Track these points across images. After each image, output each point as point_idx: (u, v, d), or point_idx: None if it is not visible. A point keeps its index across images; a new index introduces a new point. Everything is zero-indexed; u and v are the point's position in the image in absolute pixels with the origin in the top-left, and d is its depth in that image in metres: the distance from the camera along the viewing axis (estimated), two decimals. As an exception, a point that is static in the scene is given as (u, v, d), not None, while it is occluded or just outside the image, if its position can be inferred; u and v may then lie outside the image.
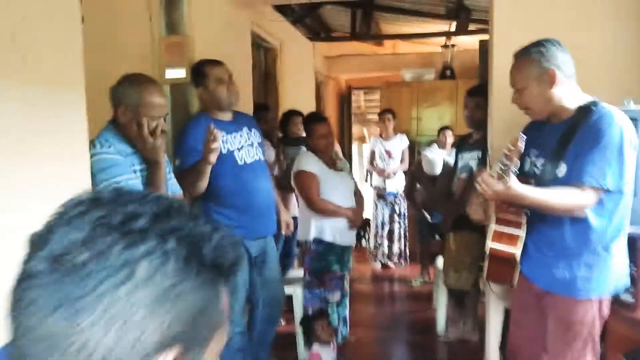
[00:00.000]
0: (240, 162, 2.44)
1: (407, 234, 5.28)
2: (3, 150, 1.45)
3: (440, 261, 3.58)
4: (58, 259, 0.39)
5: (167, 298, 0.40)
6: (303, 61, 5.39)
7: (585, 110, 1.68)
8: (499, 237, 1.85)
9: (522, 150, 1.53)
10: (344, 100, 8.09)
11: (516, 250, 1.80)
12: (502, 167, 1.54)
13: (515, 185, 1.56)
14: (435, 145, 4.63)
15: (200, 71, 2.41)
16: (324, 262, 3.02)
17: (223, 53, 2.64)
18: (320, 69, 6.28)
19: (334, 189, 3.01)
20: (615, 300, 2.13)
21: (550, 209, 1.68)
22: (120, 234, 0.40)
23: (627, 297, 2.11)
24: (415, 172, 4.57)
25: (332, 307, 3.04)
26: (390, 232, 5.24)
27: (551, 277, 1.77)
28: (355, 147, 8.26)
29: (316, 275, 3.06)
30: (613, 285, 1.75)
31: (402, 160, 5.16)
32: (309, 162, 3.02)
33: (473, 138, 3.05)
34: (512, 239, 1.82)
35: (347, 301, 3.22)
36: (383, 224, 5.24)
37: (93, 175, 1.78)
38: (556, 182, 1.69)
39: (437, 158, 4.29)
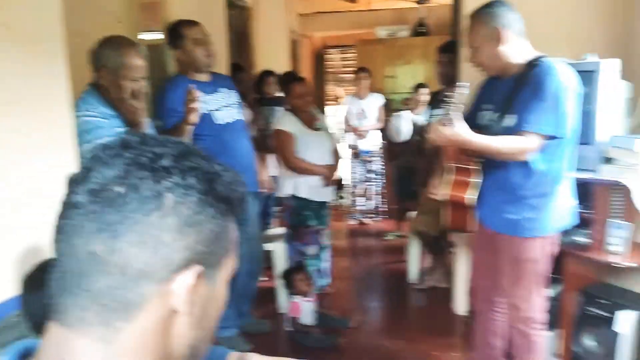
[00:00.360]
0: (219, 122, 2.49)
1: (383, 191, 5.44)
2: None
3: (414, 215, 3.75)
4: (97, 192, 0.47)
5: (189, 224, 0.49)
6: (277, 20, 5.35)
7: (531, 65, 1.82)
8: (456, 184, 2.03)
9: (465, 97, 1.73)
10: (319, 60, 8.06)
11: (470, 195, 1.98)
12: (447, 113, 1.75)
13: (461, 130, 1.73)
14: (402, 113, 4.70)
15: (176, 32, 2.41)
16: (300, 217, 3.16)
17: (197, 13, 2.64)
18: (295, 28, 6.23)
19: (311, 148, 3.11)
20: (571, 242, 2.33)
21: (497, 154, 1.84)
22: (148, 170, 0.48)
23: (582, 238, 2.30)
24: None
25: (309, 260, 3.20)
26: (366, 190, 5.40)
27: (501, 219, 1.95)
28: (330, 106, 8.29)
29: (294, 230, 3.21)
30: (558, 224, 1.92)
31: (378, 119, 5.25)
32: (286, 121, 3.11)
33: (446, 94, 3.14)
34: (467, 185, 2.00)
35: (325, 254, 3.37)
36: (358, 182, 5.39)
37: (77, 135, 1.83)
38: (506, 131, 1.84)
39: (403, 125, 4.37)
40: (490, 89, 1.99)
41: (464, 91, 1.74)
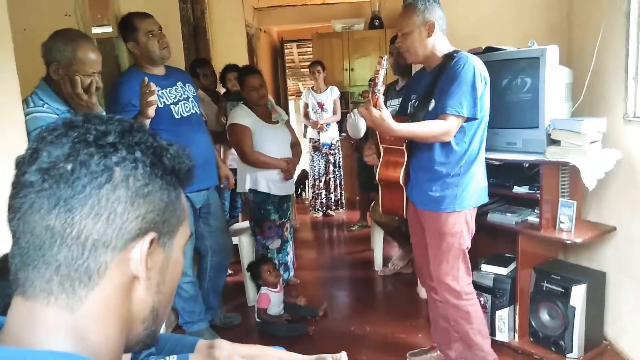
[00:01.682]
0: (176, 116, 2.47)
1: (343, 183, 5.51)
2: None
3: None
4: (47, 170, 0.48)
5: (140, 195, 0.51)
6: (233, 13, 5.31)
7: (449, 57, 2.03)
8: (386, 165, 2.19)
9: (383, 71, 1.90)
10: (278, 54, 8.04)
11: (399, 174, 2.14)
12: (370, 90, 1.93)
13: (385, 118, 1.88)
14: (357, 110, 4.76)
15: (129, 25, 2.36)
16: (262, 211, 3.16)
17: (148, 6, 2.59)
18: (251, 22, 6.20)
19: (268, 141, 3.10)
20: (523, 221, 2.44)
21: (421, 138, 2.02)
22: (95, 147, 0.50)
23: (533, 218, 2.42)
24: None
25: (273, 253, 3.21)
26: (327, 182, 5.45)
27: (425, 196, 2.11)
28: (291, 101, 8.30)
29: (256, 224, 3.20)
30: (474, 201, 2.10)
31: (334, 112, 5.30)
32: (241, 114, 3.09)
33: (399, 85, 3.22)
34: (396, 166, 2.15)
35: (288, 248, 3.39)
36: (320, 175, 5.44)
37: (28, 133, 1.78)
38: (427, 115, 2.03)
39: (361, 122, 4.43)
40: (418, 80, 2.21)
41: (383, 67, 1.91)
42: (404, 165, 2.13)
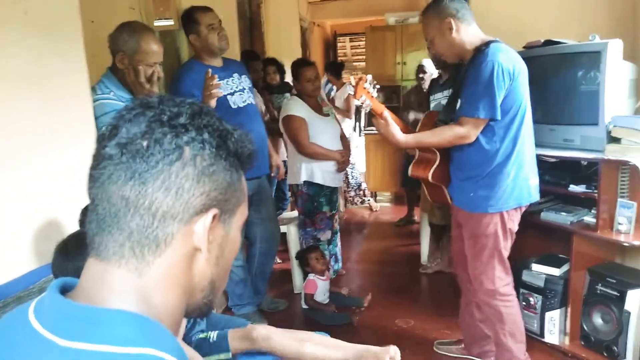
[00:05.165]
0: (233, 106, 2.55)
1: (361, 180, 5.53)
2: (12, 101, 1.57)
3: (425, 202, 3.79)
4: (125, 145, 0.53)
5: (206, 174, 0.55)
6: (287, 7, 5.38)
7: (478, 51, 1.94)
8: (418, 163, 2.20)
9: (367, 89, 1.97)
10: (330, 48, 8.06)
11: (428, 173, 2.12)
12: (362, 107, 1.97)
13: (391, 132, 1.93)
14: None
15: (191, 18, 2.46)
16: (314, 203, 3.19)
17: (207, 0, 2.69)
18: (305, 15, 6.25)
19: (322, 133, 3.13)
20: (579, 222, 2.36)
21: (433, 145, 2.03)
22: (169, 126, 0.54)
23: (589, 218, 2.33)
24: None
25: (324, 245, 3.25)
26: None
27: (461, 196, 2.08)
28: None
29: (308, 216, 3.24)
30: (512, 201, 2.00)
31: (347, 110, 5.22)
32: (296, 106, 3.12)
33: (442, 79, 3.16)
34: (427, 165, 2.14)
35: (337, 239, 3.43)
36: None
37: (95, 118, 1.90)
38: (456, 114, 1.98)
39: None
40: (457, 75, 2.16)
41: (368, 85, 1.97)
42: (436, 164, 2.11)
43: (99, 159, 0.55)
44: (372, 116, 2.09)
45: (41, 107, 1.68)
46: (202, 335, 1.56)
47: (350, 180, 5.44)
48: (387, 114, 1.94)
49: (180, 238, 0.55)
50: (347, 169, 5.26)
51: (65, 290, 0.57)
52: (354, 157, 5.31)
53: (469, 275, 2.16)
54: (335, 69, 5.35)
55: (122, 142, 0.54)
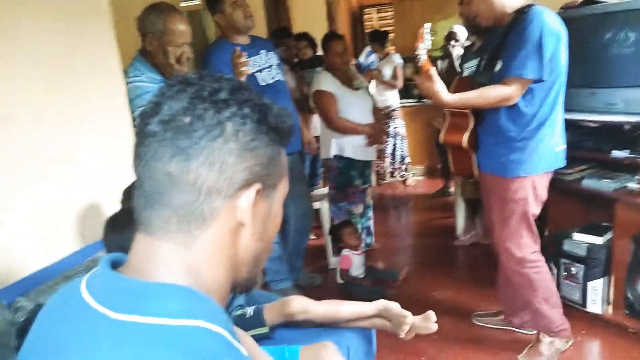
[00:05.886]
0: (261, 83, 2.54)
1: (402, 153, 5.37)
2: (46, 87, 1.60)
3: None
4: (168, 122, 0.54)
5: (248, 149, 0.55)
6: (312, -20, 5.30)
7: (520, 13, 1.88)
8: (451, 128, 2.14)
9: (426, 40, 1.91)
10: (357, 20, 7.91)
11: (463, 138, 2.07)
12: (416, 58, 1.91)
13: (436, 89, 1.86)
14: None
15: (215, -3, 2.45)
16: (346, 177, 3.19)
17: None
18: (330, -12, 6.14)
19: (352, 107, 3.10)
20: (622, 188, 2.28)
21: (476, 106, 1.96)
22: (210, 102, 0.54)
23: (633, 184, 2.25)
24: None
25: (356, 218, 3.26)
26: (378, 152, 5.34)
27: (489, 160, 2.05)
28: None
29: (340, 190, 3.24)
30: (543, 166, 1.97)
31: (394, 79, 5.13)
32: (326, 81, 3.10)
33: (475, 46, 3.07)
34: (460, 130, 2.09)
35: (370, 212, 3.43)
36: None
37: (129, 101, 1.93)
38: (492, 77, 1.93)
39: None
40: (491, 40, 2.11)
41: (427, 36, 1.90)
42: (469, 129, 2.07)
43: (142, 137, 0.55)
44: (416, 73, 2.05)
45: (75, 93, 1.72)
46: (239, 312, 1.59)
47: (395, 152, 5.35)
48: (434, 71, 1.90)
49: (225, 213, 0.56)
50: (395, 141, 5.26)
51: (115, 265, 0.59)
52: (401, 129, 5.26)
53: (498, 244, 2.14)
54: (379, 38, 5.22)
55: (164, 119, 0.54)
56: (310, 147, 3.28)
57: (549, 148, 1.96)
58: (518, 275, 2.11)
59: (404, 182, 5.50)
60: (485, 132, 2.06)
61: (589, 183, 2.36)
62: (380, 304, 1.62)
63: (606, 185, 2.30)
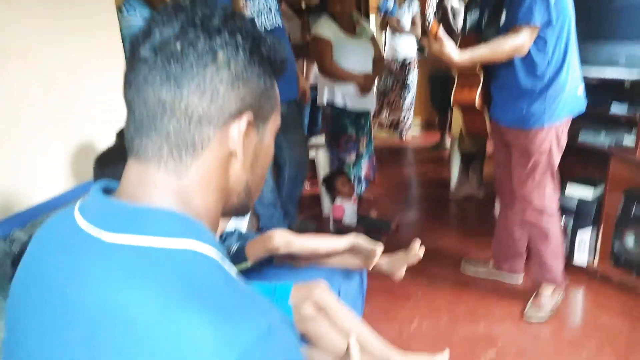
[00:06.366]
0: (259, 29, 2.48)
1: (411, 105, 5.29)
2: (38, 28, 1.57)
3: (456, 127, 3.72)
4: (160, 48, 0.53)
5: (240, 78, 0.55)
6: None
7: None
8: (461, 88, 2.12)
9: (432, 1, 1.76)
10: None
11: (475, 97, 2.05)
12: (427, 22, 1.77)
13: (447, 49, 1.79)
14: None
15: None
16: (338, 125, 3.16)
17: None
18: None
19: (349, 55, 3.03)
20: (616, 143, 2.28)
21: (489, 60, 1.90)
22: (202, 29, 0.53)
23: (629, 141, 2.25)
24: None
25: (349, 167, 3.25)
26: (390, 103, 5.26)
27: (510, 114, 2.01)
28: (372, 15, 7.96)
29: (332, 137, 3.24)
30: (564, 113, 1.95)
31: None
32: (324, 26, 3.02)
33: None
34: (471, 89, 2.07)
35: (362, 163, 3.40)
36: (389, 92, 5.24)
37: (123, 39, 1.89)
38: (498, 29, 1.89)
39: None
40: None
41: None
42: (480, 87, 2.05)
43: (133, 62, 0.54)
44: (423, 36, 1.99)
45: (70, 30, 1.68)
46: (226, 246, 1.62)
47: (404, 104, 5.26)
48: (443, 31, 1.84)
49: (216, 142, 0.55)
50: (406, 93, 5.15)
51: (107, 193, 0.59)
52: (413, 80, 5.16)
53: (516, 195, 2.15)
54: None
55: (155, 45, 0.53)
56: (303, 95, 3.23)
57: (570, 93, 1.93)
58: (533, 226, 2.14)
59: (400, 135, 5.47)
60: (500, 87, 2.03)
61: (586, 137, 2.36)
62: (351, 237, 1.68)
63: (602, 139, 2.31)
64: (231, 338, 0.44)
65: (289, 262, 1.70)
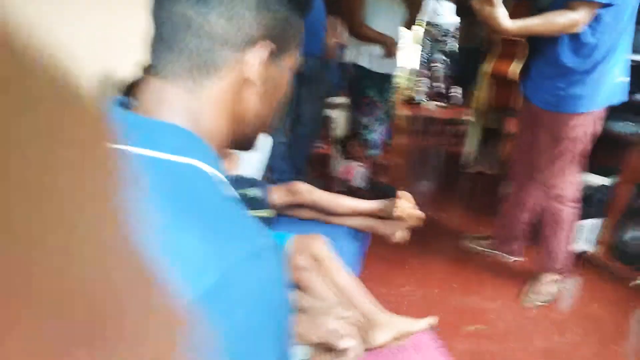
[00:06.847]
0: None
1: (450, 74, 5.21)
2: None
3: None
4: None
5: (266, 7, 0.56)
6: None
7: None
8: (502, 58, 2.04)
9: None
10: None
11: (514, 69, 1.95)
12: None
13: (498, 16, 1.67)
14: None
15: None
16: (359, 86, 3.12)
17: None
18: None
19: (379, 14, 2.96)
20: (635, 133, 2.24)
21: (540, 33, 1.77)
22: None
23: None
24: None
25: (364, 130, 3.22)
26: (432, 71, 5.17)
27: (547, 94, 1.91)
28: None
29: (352, 98, 3.20)
30: (604, 101, 1.86)
31: None
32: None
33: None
34: (513, 59, 1.98)
35: (377, 126, 3.37)
36: (426, 62, 5.16)
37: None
38: (555, 2, 1.76)
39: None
40: None
41: None
42: (523, 60, 1.94)
43: None
44: None
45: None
46: (241, 191, 1.64)
47: (443, 73, 5.20)
48: None
49: (234, 66, 0.57)
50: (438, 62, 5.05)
51: (123, 106, 0.60)
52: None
53: (536, 179, 2.10)
54: None
55: None
56: (328, 50, 3.17)
57: (613, 81, 1.84)
58: (551, 212, 2.09)
59: (417, 104, 5.39)
60: (541, 63, 1.91)
61: (607, 124, 2.31)
62: (381, 202, 1.68)
63: (623, 127, 2.26)
64: (220, 254, 0.44)
65: (299, 216, 1.72)
